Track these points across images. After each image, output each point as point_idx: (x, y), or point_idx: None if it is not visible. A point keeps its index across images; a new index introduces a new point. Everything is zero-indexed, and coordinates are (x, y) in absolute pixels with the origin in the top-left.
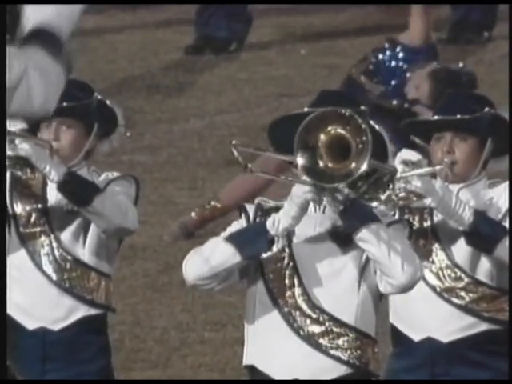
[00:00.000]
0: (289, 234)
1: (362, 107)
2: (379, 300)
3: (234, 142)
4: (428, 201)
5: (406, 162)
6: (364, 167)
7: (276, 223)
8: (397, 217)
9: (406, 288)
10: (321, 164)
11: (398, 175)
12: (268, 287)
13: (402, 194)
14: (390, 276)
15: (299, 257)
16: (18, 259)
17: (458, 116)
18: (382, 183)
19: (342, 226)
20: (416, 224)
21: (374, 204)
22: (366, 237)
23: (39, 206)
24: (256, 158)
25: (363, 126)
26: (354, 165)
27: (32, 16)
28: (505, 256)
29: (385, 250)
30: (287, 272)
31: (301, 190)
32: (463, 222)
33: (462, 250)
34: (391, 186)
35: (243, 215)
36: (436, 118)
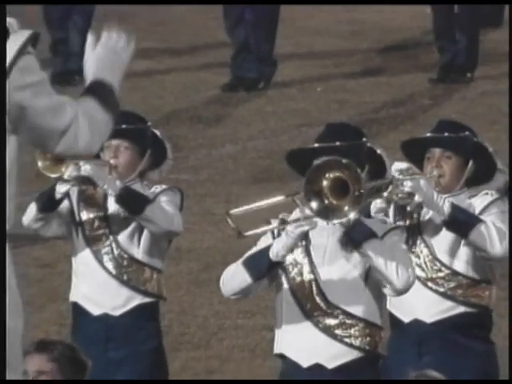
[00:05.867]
0: (307, 244)
1: (364, 139)
2: (382, 294)
3: (229, 211)
4: (416, 197)
5: (400, 170)
6: (355, 214)
7: (276, 253)
8: (395, 224)
9: (403, 291)
10: (326, 202)
11: (396, 176)
12: (291, 289)
13: (400, 195)
14: (388, 282)
15: (316, 263)
16: (84, 257)
17: (446, 134)
18: (382, 190)
19: (348, 241)
20: (406, 224)
21: (377, 207)
22: (366, 252)
23: (101, 213)
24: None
25: (361, 176)
26: (347, 208)
27: (91, 70)
28: (478, 240)
29: (382, 263)
30: (306, 276)
31: (293, 227)
32: (443, 211)
33: (442, 246)
34: (389, 189)
35: (269, 232)
36: (429, 135)
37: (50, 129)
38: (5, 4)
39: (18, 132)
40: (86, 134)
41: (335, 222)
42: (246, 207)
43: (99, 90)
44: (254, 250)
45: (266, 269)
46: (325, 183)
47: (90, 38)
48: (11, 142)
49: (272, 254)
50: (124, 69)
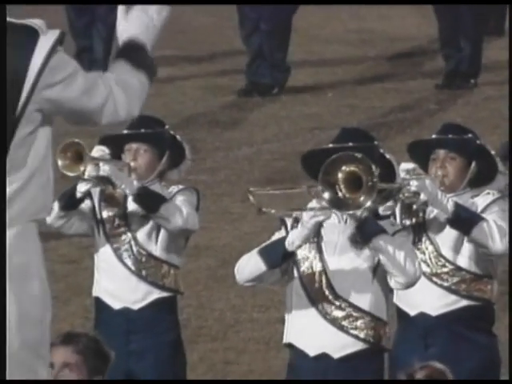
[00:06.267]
0: (318, 241)
1: (376, 142)
2: (389, 291)
3: (250, 188)
4: (422, 196)
5: (406, 170)
6: (370, 202)
7: (291, 242)
8: (402, 226)
9: (410, 285)
10: (340, 195)
11: (403, 176)
12: (302, 282)
13: (407, 194)
14: (395, 276)
15: (326, 258)
16: (105, 254)
17: (450, 136)
18: (392, 194)
19: (358, 237)
20: (412, 222)
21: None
22: (376, 246)
23: (121, 212)
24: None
25: (373, 168)
26: (362, 198)
27: (123, 32)
28: (480, 237)
29: (391, 257)
30: (317, 270)
31: (308, 217)
32: (447, 209)
33: (446, 243)
34: (400, 195)
35: (283, 226)
36: (434, 137)
37: (89, 109)
38: (5, 4)
39: (52, 124)
40: (123, 101)
41: (349, 212)
42: (267, 190)
43: (131, 52)
44: (268, 242)
45: (280, 258)
46: (340, 176)
47: (121, 7)
48: (44, 135)
49: (288, 244)
50: (157, 31)
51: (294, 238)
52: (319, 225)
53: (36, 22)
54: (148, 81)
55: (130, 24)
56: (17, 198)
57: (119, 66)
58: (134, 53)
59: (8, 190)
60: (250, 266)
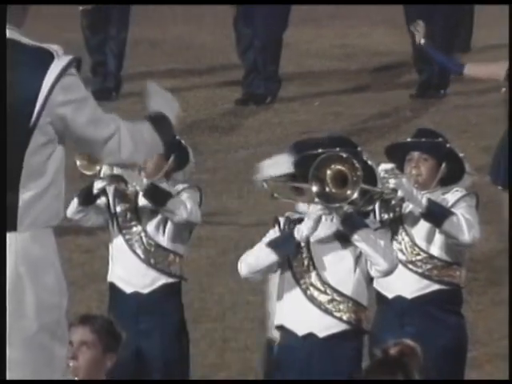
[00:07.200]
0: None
1: (359, 148)
2: (370, 280)
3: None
4: (399, 192)
5: (385, 170)
6: (356, 194)
7: (300, 232)
8: (381, 223)
9: (388, 273)
10: (327, 190)
11: (382, 175)
12: (293, 271)
13: (386, 191)
14: (375, 265)
15: (314, 251)
16: (118, 244)
17: (423, 139)
18: (374, 198)
19: (343, 230)
20: (390, 217)
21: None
22: (358, 238)
23: (132, 207)
24: None
25: (356, 164)
26: (349, 192)
27: (153, 104)
28: (450, 229)
29: (371, 247)
30: (305, 261)
31: (315, 209)
32: (421, 205)
33: (420, 234)
34: (380, 198)
35: (276, 225)
36: (409, 140)
37: (93, 139)
38: (5, 4)
39: (65, 141)
40: (128, 144)
41: (336, 205)
42: (281, 180)
43: (154, 116)
44: (270, 237)
45: (291, 248)
46: (328, 172)
47: (152, 84)
48: (59, 151)
49: (297, 234)
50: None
51: (303, 229)
52: (320, 218)
53: (53, 47)
54: (162, 143)
55: (161, 100)
56: (32, 205)
57: (140, 122)
58: (155, 117)
59: (23, 196)
60: (261, 258)
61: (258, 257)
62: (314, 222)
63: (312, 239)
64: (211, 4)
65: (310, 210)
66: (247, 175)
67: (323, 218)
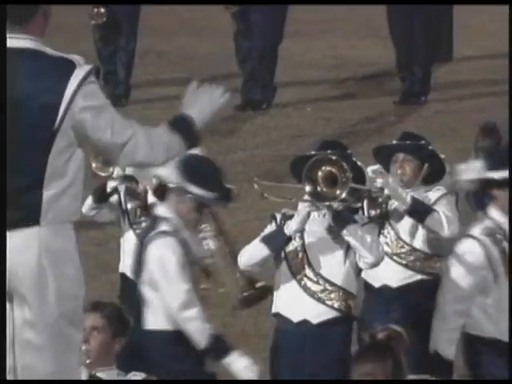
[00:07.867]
0: (302, 231)
1: (348, 151)
2: (358, 271)
3: (255, 178)
4: (385, 190)
5: (373, 170)
6: (345, 194)
7: (289, 227)
8: (369, 220)
9: (374, 265)
10: (319, 189)
11: (370, 175)
12: (288, 264)
13: (375, 189)
14: (363, 257)
15: (308, 244)
16: (128, 238)
17: (407, 142)
18: (362, 196)
19: (333, 225)
20: (377, 213)
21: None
22: (347, 233)
23: (142, 204)
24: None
25: (345, 166)
26: (338, 191)
27: (185, 105)
28: (432, 224)
29: (359, 241)
30: (300, 254)
31: (303, 207)
32: (405, 201)
33: (404, 228)
34: (368, 195)
35: (273, 221)
36: (394, 142)
37: (111, 144)
38: (5, 4)
39: (84, 146)
40: (144, 147)
41: (326, 204)
42: (271, 182)
43: (177, 122)
44: (266, 232)
45: (282, 242)
46: (320, 174)
47: (193, 84)
48: (78, 153)
49: (287, 229)
50: (215, 112)
51: (292, 224)
52: (309, 214)
53: (75, 57)
54: (183, 144)
55: (188, 102)
56: (54, 203)
57: (160, 126)
58: (179, 122)
59: (47, 193)
60: (255, 252)
61: (253, 251)
62: (302, 217)
63: (306, 234)
64: (211, 4)
65: (299, 206)
66: (245, 175)
67: (316, 214)
